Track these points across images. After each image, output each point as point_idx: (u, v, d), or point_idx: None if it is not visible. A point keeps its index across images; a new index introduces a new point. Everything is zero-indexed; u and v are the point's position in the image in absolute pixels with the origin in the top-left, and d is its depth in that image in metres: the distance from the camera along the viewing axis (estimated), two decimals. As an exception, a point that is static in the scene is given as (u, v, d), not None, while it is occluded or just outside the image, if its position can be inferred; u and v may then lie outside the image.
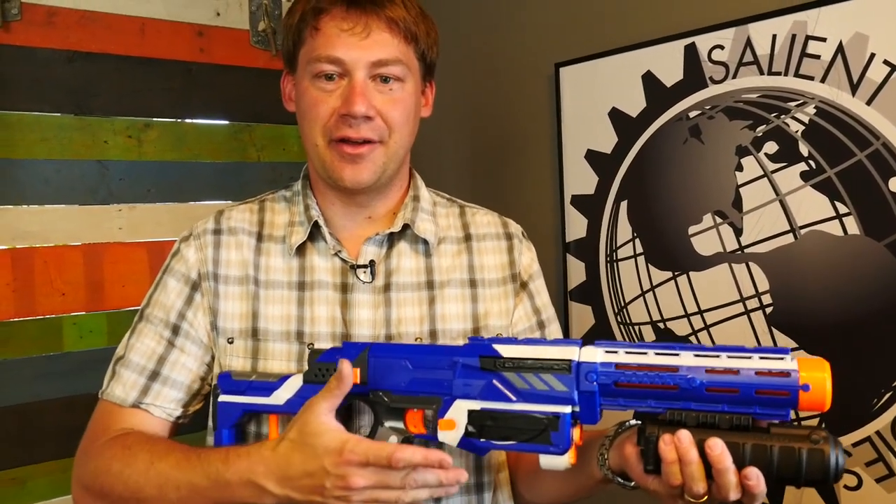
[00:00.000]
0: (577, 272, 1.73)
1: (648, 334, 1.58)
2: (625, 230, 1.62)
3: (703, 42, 1.46)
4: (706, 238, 1.47)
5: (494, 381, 0.87)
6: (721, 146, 1.44)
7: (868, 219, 1.25)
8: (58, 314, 1.85)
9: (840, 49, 1.27)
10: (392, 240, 1.10)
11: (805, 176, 1.32)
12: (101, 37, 1.89)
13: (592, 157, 1.68)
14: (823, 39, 1.29)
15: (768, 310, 1.38)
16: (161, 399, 1.04)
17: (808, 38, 1.31)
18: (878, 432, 1.26)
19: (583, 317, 1.72)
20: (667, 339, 1.54)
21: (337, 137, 1.01)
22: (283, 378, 0.99)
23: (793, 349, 1.34)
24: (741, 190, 1.41)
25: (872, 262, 1.25)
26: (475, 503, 1.07)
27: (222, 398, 1.01)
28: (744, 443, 0.76)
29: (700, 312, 1.48)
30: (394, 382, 0.92)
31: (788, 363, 0.75)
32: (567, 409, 0.83)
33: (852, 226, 1.27)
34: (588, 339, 0.85)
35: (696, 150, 1.48)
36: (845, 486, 1.30)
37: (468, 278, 1.12)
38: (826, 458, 0.73)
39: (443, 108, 2.09)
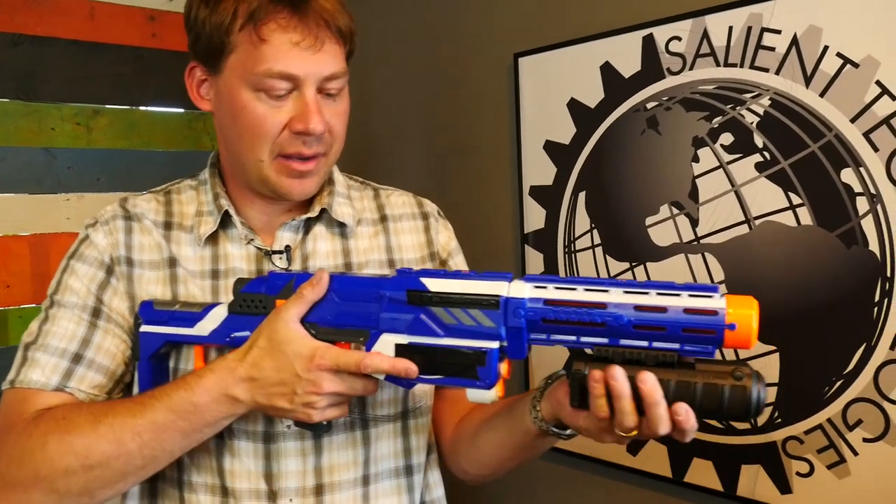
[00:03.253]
0: (535, 263, 1.73)
1: (606, 325, 1.59)
2: (583, 221, 1.63)
3: (661, 33, 1.46)
4: (663, 229, 1.48)
5: (422, 316, 0.86)
6: (678, 137, 1.45)
7: (820, 209, 1.27)
8: (3, 307, 1.80)
9: (794, 41, 1.28)
10: (308, 225, 1.08)
11: (760, 167, 1.34)
12: (49, 20, 1.84)
13: (551, 147, 1.68)
14: (778, 32, 1.30)
15: (723, 300, 1.40)
16: (85, 384, 0.98)
17: (763, 30, 1.32)
18: (829, 420, 1.28)
19: (541, 308, 1.71)
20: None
21: (289, 153, 0.98)
22: (208, 308, 0.97)
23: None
24: (697, 181, 1.42)
25: (825, 252, 1.27)
26: (405, 485, 1.07)
27: (144, 328, 0.98)
28: (669, 379, 0.77)
29: (657, 303, 1.49)
30: (320, 315, 0.91)
31: (716, 301, 0.75)
32: (494, 345, 0.83)
33: (805, 216, 1.29)
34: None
35: (654, 141, 1.49)
36: (797, 473, 1.32)
37: (386, 259, 1.11)
38: (748, 395, 0.75)
39: (403, 98, 2.08)
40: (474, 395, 0.85)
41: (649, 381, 0.76)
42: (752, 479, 1.38)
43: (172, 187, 1.12)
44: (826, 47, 1.25)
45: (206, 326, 0.96)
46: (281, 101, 0.97)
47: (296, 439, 1.00)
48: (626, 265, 1.54)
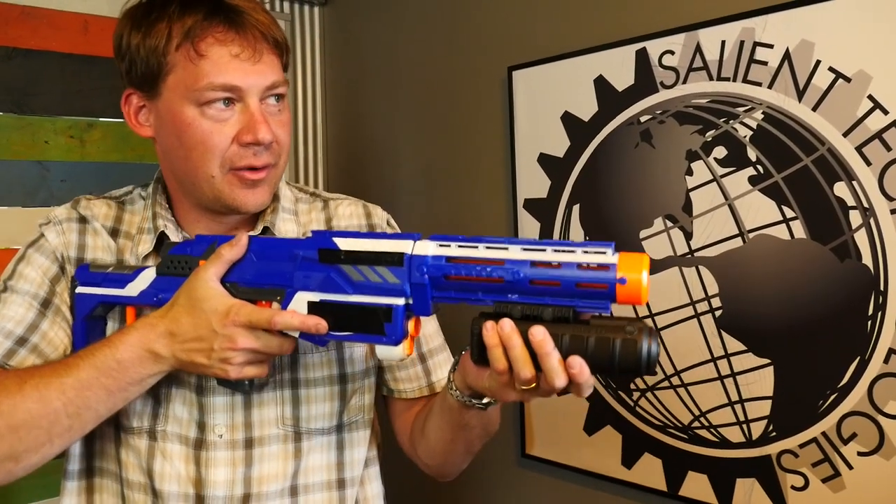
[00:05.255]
0: (529, 276, 1.73)
1: (600, 338, 1.59)
2: (577, 234, 1.63)
3: (654, 47, 1.47)
4: (657, 242, 1.48)
5: (332, 274, 0.88)
6: (671, 151, 1.45)
7: (814, 223, 1.27)
8: (-5, 320, 1.78)
9: (787, 56, 1.29)
10: None
11: (753, 180, 1.34)
12: (42, 33, 1.83)
13: (545, 160, 1.68)
14: (771, 46, 1.31)
15: (717, 313, 1.40)
16: (25, 366, 0.98)
17: (755, 44, 1.32)
18: (823, 433, 1.28)
19: (536, 320, 1.71)
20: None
21: (241, 166, 0.99)
22: (138, 270, 0.99)
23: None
24: (691, 194, 1.42)
25: (818, 265, 1.27)
26: (336, 498, 1.08)
27: (79, 290, 1.00)
28: (563, 334, 0.78)
29: (651, 315, 1.49)
30: (240, 275, 0.93)
31: (608, 257, 0.76)
32: (400, 301, 0.85)
33: (799, 230, 1.29)
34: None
35: (648, 154, 1.49)
36: (792, 487, 1.32)
37: None
38: (638, 349, 0.75)
39: (397, 111, 2.08)
40: (382, 351, 0.87)
41: (539, 334, 0.77)
42: (747, 492, 1.38)
43: (126, 197, 1.13)
44: (818, 62, 1.25)
45: (135, 287, 0.98)
46: (226, 115, 0.97)
47: (227, 449, 1.02)
48: (620, 278, 1.54)
